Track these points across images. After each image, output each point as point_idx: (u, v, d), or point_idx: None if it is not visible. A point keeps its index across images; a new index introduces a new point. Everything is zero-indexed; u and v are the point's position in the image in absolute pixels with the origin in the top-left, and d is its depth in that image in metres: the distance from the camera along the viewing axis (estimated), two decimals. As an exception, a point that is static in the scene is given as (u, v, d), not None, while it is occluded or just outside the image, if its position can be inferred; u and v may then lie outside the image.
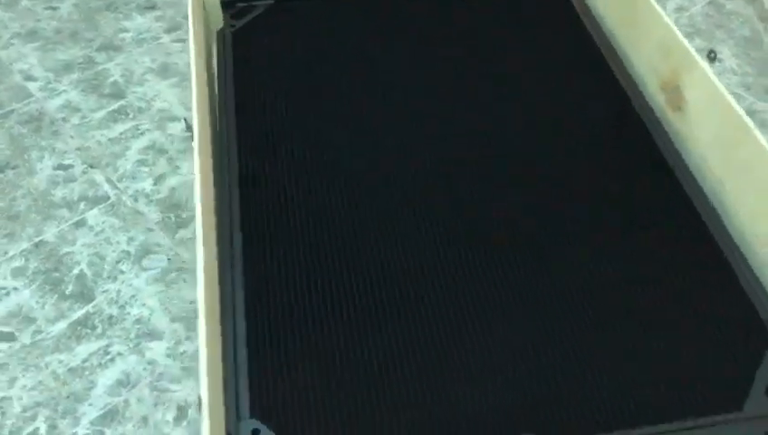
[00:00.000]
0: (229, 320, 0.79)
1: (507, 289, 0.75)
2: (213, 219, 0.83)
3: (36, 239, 1.20)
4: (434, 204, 0.82)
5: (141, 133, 1.38)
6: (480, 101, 0.93)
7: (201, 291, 0.74)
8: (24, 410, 0.99)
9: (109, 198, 1.27)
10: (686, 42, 0.88)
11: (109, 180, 1.29)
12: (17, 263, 1.17)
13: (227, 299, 0.79)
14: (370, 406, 0.69)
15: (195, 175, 0.75)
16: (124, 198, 1.27)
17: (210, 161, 0.87)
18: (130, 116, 1.41)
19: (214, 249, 0.80)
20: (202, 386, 0.75)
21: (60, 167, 1.32)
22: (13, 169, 1.31)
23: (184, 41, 1.58)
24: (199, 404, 0.91)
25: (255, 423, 0.76)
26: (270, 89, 0.95)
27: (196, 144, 0.84)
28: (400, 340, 0.73)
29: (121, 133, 1.38)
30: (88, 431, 0.97)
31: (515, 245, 0.78)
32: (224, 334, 0.81)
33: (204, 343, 0.75)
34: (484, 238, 0.79)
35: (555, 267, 0.76)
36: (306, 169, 0.87)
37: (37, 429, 0.97)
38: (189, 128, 0.80)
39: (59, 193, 1.27)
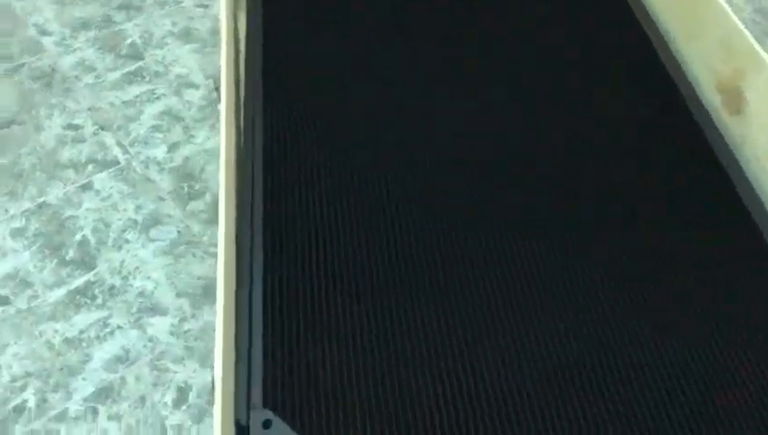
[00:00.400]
0: (245, 307, 0.73)
1: (535, 281, 0.70)
2: (234, 195, 0.77)
3: (39, 200, 1.14)
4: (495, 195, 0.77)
5: (157, 98, 1.31)
6: (520, 90, 0.87)
7: (221, 273, 0.68)
8: (14, 380, 0.93)
9: (119, 162, 1.20)
10: (753, 40, 0.82)
11: (120, 144, 1.23)
12: (17, 223, 1.10)
13: (244, 285, 0.73)
14: (388, 400, 0.64)
15: (221, 141, 0.69)
16: (135, 163, 1.20)
17: (234, 132, 0.81)
18: (147, 79, 1.34)
19: (233, 230, 0.74)
20: (216, 370, 0.69)
21: (69, 126, 1.25)
22: (19, 124, 1.24)
23: (207, 6, 1.51)
24: (213, 388, 0.85)
25: (267, 414, 0.70)
26: (298, 54, 0.88)
27: (223, 109, 0.78)
28: (414, 334, 0.68)
29: (136, 96, 1.31)
30: (80, 408, 0.91)
31: (548, 239, 0.73)
32: (238, 320, 0.75)
33: (221, 326, 0.69)
34: (507, 230, 0.75)
35: (594, 259, 0.70)
36: (322, 153, 0.82)
37: (26, 401, 0.91)
38: (217, 89, 0.75)
39: (66, 153, 1.21)
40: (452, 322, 0.69)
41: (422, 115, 0.85)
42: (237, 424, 0.70)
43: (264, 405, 0.70)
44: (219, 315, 0.68)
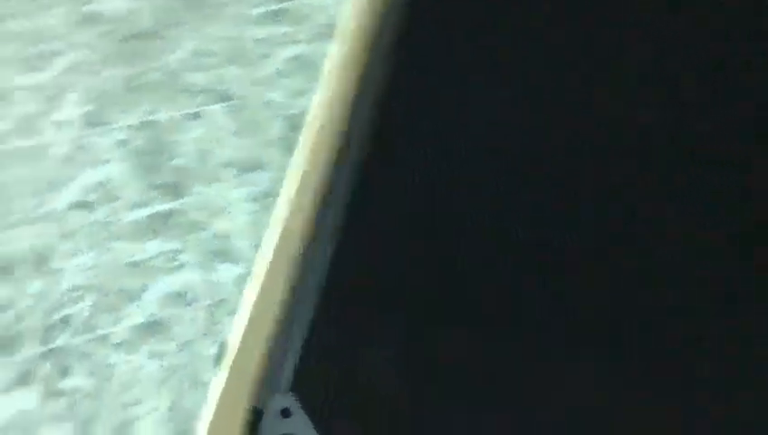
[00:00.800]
0: (307, 272, 0.64)
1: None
2: (327, 143, 0.68)
3: (149, 117, 1.10)
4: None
5: (294, 42, 1.25)
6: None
7: (279, 222, 0.59)
8: (72, 290, 0.90)
9: (236, 98, 1.15)
10: None
11: (243, 80, 1.18)
12: (122, 135, 1.08)
13: (314, 246, 0.64)
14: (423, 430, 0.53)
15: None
16: (252, 103, 1.14)
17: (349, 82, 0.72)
18: (290, 21, 1.29)
19: (312, 187, 0.65)
20: (235, 332, 0.60)
21: (199, 52, 1.21)
22: (153, 39, 1.22)
23: (370, -39, 1.43)
24: (221, 352, 0.77)
25: (290, 401, 0.61)
26: (446, 22, 0.78)
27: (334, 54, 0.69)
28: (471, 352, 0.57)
29: (274, 36, 1.26)
30: (123, 337, 0.86)
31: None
32: (293, 290, 0.66)
33: (261, 277, 0.60)
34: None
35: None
36: (431, 126, 0.71)
37: (72, 316, 0.87)
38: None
39: (188, 78, 1.17)
40: (495, 341, 0.58)
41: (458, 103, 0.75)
42: (255, 409, 0.61)
43: (290, 390, 0.61)
44: (262, 267, 0.59)
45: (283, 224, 0.66)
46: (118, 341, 0.85)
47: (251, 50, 1.22)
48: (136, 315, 0.88)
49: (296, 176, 0.69)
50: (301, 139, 0.65)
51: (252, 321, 0.61)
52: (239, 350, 0.59)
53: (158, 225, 0.97)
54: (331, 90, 0.73)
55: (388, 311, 0.63)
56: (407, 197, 0.70)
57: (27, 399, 0.79)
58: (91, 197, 0.99)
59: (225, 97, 1.14)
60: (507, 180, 0.70)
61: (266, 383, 0.61)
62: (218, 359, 0.78)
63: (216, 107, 1.13)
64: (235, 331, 0.61)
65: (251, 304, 0.63)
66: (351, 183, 0.73)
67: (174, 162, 1.04)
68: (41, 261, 0.92)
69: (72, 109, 1.10)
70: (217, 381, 0.58)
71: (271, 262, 0.63)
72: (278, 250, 0.64)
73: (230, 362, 0.58)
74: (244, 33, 1.25)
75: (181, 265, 0.93)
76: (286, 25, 1.28)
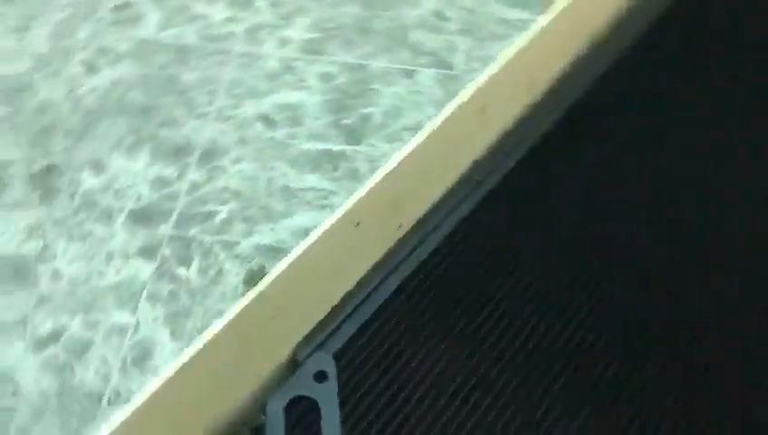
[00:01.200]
0: (403, 249, 0.61)
1: None
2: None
3: (363, 61, 1.10)
4: None
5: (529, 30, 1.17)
6: None
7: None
8: (222, 192, 0.92)
9: (453, 68, 1.10)
10: None
11: (467, 54, 1.13)
12: (331, 69, 1.08)
13: (421, 228, 0.61)
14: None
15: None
16: (465, 78, 1.09)
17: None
18: (536, 9, 1.21)
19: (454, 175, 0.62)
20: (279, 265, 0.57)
21: (436, 14, 1.18)
22: (399, -9, 1.22)
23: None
24: (256, 275, 0.73)
25: (330, 365, 0.56)
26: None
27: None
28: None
29: (516, 19, 1.19)
30: (245, 251, 0.86)
31: None
32: (377, 267, 0.62)
33: (325, 227, 0.57)
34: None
35: None
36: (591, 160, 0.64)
37: (213, 213, 0.90)
38: None
39: (417, 35, 1.15)
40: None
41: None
42: (293, 359, 0.57)
43: (335, 357, 0.57)
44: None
45: (379, 190, 0.61)
46: (239, 252, 0.86)
47: (488, 27, 1.17)
48: (266, 236, 0.88)
49: (428, 143, 0.64)
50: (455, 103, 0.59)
51: (297, 262, 0.57)
52: (274, 282, 0.55)
53: (324, 162, 0.96)
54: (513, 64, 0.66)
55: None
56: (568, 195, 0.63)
57: (141, 271, 0.83)
58: (278, 116, 1.01)
59: (443, 65, 1.10)
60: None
61: (314, 337, 0.57)
62: (249, 280, 0.75)
63: (431, 71, 1.09)
64: (280, 264, 0.57)
65: (305, 245, 0.58)
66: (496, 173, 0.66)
67: (365, 109, 1.03)
68: (210, 156, 0.96)
69: (298, 32, 1.13)
70: (240, 303, 0.54)
71: (345, 217, 0.59)
72: (357, 211, 0.59)
73: (258, 291, 0.54)
74: (488, 9, 1.20)
75: (328, 206, 0.92)
76: (530, 12, 1.20)
